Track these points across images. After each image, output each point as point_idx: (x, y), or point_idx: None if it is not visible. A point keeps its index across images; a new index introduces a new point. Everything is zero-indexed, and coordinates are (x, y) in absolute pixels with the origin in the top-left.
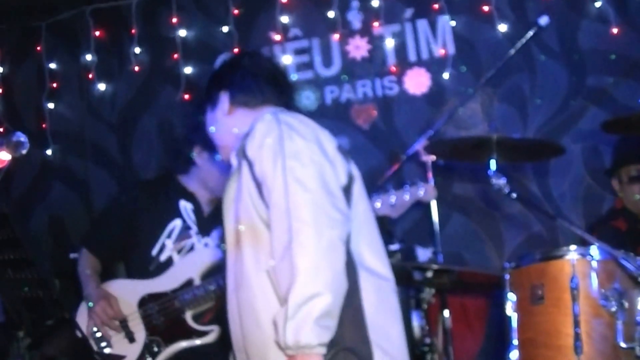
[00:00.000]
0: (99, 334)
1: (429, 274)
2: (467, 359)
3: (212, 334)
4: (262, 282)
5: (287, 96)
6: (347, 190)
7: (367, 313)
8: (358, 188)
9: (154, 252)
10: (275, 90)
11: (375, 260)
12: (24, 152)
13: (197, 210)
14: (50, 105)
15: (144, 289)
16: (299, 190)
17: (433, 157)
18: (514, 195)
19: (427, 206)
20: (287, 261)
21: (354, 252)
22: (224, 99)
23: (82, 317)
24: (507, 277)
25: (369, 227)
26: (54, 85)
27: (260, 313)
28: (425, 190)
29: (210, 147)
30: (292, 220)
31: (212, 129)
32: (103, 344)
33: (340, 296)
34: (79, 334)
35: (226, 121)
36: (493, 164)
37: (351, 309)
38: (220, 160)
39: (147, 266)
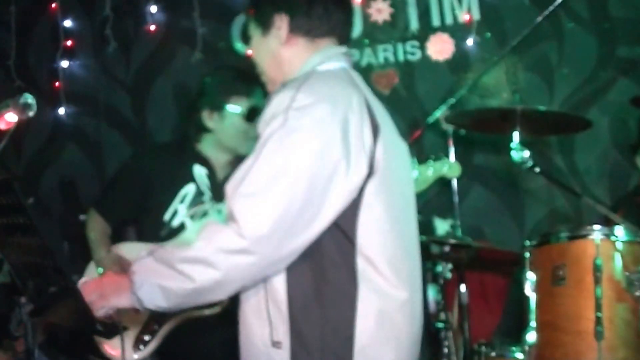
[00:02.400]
0: None
1: (447, 249)
2: (483, 336)
3: (219, 305)
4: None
5: (351, 26)
6: (351, 204)
7: (358, 343)
8: (378, 186)
9: (167, 217)
10: (343, 17)
11: (390, 277)
12: (31, 114)
13: (212, 175)
14: (64, 64)
15: None
16: (279, 175)
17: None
18: (537, 169)
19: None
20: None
21: (358, 267)
22: (282, 25)
23: None
24: (528, 255)
25: (390, 235)
26: (69, 43)
27: (245, 310)
28: (450, 167)
29: (218, 106)
30: (242, 186)
31: (260, 57)
32: (110, 312)
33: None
34: (82, 301)
35: (281, 52)
36: (516, 136)
37: (338, 338)
38: (234, 117)
39: (158, 231)
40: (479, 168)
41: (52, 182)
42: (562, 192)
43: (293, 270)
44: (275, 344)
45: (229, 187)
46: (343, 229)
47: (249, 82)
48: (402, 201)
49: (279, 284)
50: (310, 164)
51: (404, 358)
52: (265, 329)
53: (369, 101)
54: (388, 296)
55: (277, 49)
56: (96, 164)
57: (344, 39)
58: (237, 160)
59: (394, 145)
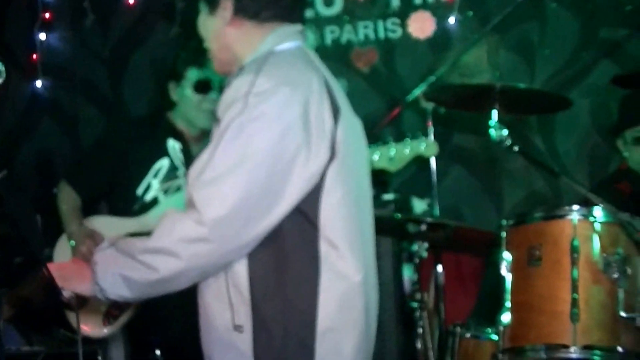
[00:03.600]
0: None
1: (423, 227)
2: (459, 318)
3: None
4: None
5: (303, 10)
6: (313, 190)
7: (320, 327)
8: (338, 170)
9: (139, 191)
10: (292, 2)
11: (350, 260)
12: (0, 81)
13: (186, 150)
14: (42, 37)
15: (127, 228)
16: (240, 161)
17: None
18: (516, 148)
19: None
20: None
21: (320, 250)
22: (227, 5)
23: (61, 255)
24: (504, 235)
25: (351, 218)
26: (47, 16)
27: (205, 293)
28: (427, 145)
29: (176, 78)
30: (202, 174)
31: (205, 34)
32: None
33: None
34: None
35: (226, 32)
36: (495, 114)
37: (301, 322)
38: (195, 94)
39: (131, 205)
40: (458, 148)
41: (27, 155)
42: (541, 173)
43: (254, 254)
44: (237, 328)
45: (190, 175)
46: (305, 213)
47: (203, 55)
48: (360, 183)
49: (240, 268)
50: (270, 151)
51: (363, 342)
52: (226, 312)
53: (329, 82)
54: (350, 280)
55: (222, 30)
56: (72, 137)
57: (295, 19)
58: (206, 134)
59: (352, 126)
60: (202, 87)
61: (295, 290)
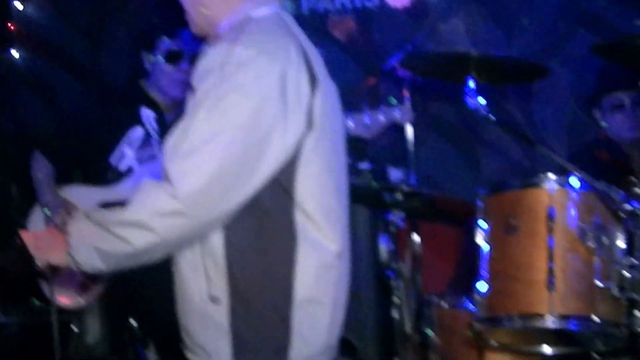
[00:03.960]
0: None
1: (399, 196)
2: (437, 287)
3: None
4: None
5: None
6: (289, 160)
7: (297, 298)
8: (315, 141)
9: (114, 160)
10: None
11: (327, 231)
12: None
13: (160, 118)
14: (19, 6)
15: (100, 197)
16: (220, 126)
17: (409, 73)
18: (492, 117)
19: (402, 126)
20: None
21: (297, 221)
22: None
23: (35, 224)
24: (480, 204)
25: (327, 189)
26: None
27: (180, 264)
28: (402, 112)
29: (149, 47)
30: (177, 146)
31: None
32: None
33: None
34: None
35: None
36: (471, 83)
37: (278, 294)
38: (167, 64)
39: (105, 174)
40: (435, 117)
41: (4, 125)
42: (518, 143)
43: (230, 224)
44: (213, 299)
45: (166, 146)
46: (282, 184)
47: (175, 25)
48: (336, 154)
49: (216, 238)
50: (247, 123)
51: (337, 313)
52: (202, 283)
53: (307, 51)
54: (326, 251)
55: None
56: (50, 107)
57: None
58: (179, 104)
59: (329, 96)
60: (173, 57)
61: (272, 261)
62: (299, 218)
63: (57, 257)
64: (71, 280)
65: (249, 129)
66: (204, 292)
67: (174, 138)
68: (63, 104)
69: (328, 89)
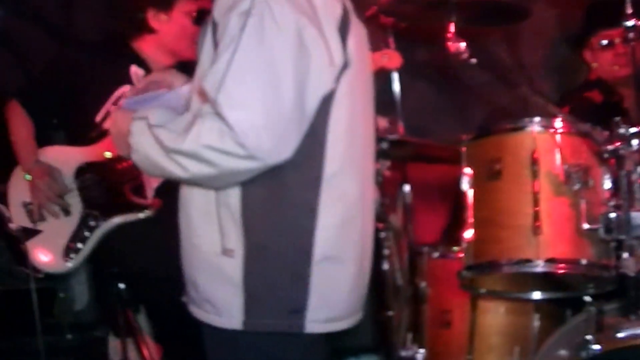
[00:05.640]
0: (31, 207)
1: (384, 145)
2: (429, 238)
3: (153, 208)
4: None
5: None
6: (326, 98)
7: (317, 255)
8: (351, 80)
9: (98, 118)
10: None
11: (352, 183)
12: None
13: None
14: None
15: (82, 157)
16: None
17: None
18: (474, 60)
19: (387, 74)
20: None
21: (324, 170)
22: None
23: (16, 187)
24: (464, 150)
25: (356, 135)
26: None
27: (191, 213)
28: (389, 57)
29: (166, 7)
30: (227, 88)
31: None
32: (36, 217)
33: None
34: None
35: None
36: (452, 27)
37: (296, 250)
38: (183, 20)
39: (88, 132)
40: (421, 64)
41: None
42: (508, 88)
43: None
44: (226, 252)
45: (208, 86)
46: (314, 128)
47: None
48: (367, 94)
49: (233, 188)
50: (294, 57)
51: (359, 272)
52: (215, 234)
53: None
54: (350, 205)
55: None
56: (23, 66)
57: None
58: (178, 65)
59: (359, 30)
60: (202, 17)
61: (292, 214)
62: (327, 168)
63: (126, 153)
64: (56, 245)
65: (295, 64)
66: (217, 244)
67: (218, 77)
68: (37, 62)
69: (359, 27)
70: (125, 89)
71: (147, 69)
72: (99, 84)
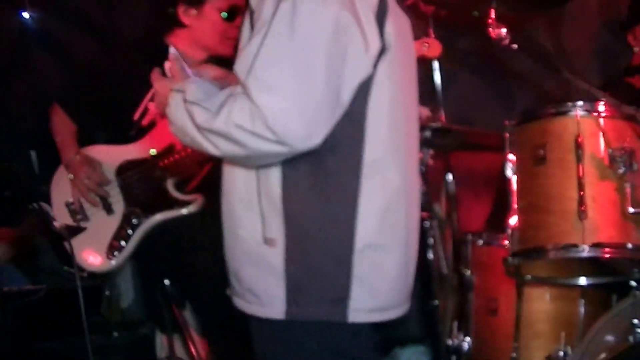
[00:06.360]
0: (75, 206)
1: (427, 134)
2: (473, 226)
3: (196, 204)
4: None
5: None
6: (363, 84)
7: (359, 243)
8: (390, 64)
9: (137, 116)
10: None
11: (395, 169)
12: None
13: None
14: None
15: (123, 155)
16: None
17: (432, 7)
18: (515, 46)
19: (428, 63)
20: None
21: (365, 157)
22: None
23: (59, 186)
24: (507, 136)
25: (398, 120)
26: None
27: (233, 203)
28: (429, 46)
29: (196, 2)
30: (258, 72)
31: None
32: (79, 216)
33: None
34: (37, 206)
35: None
36: (492, 13)
37: (338, 238)
38: (214, 16)
39: (128, 131)
40: (463, 52)
41: (21, 90)
42: (551, 74)
43: (289, 161)
44: (268, 241)
45: (239, 69)
46: (353, 114)
47: None
48: (409, 82)
49: (274, 175)
50: (327, 43)
51: (406, 257)
52: (256, 223)
53: None
54: (394, 190)
55: None
56: (66, 68)
57: None
58: (211, 59)
59: (400, 17)
60: (234, 15)
61: (333, 200)
62: (367, 154)
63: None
64: (99, 244)
65: (329, 50)
66: (258, 234)
67: (249, 60)
68: (79, 62)
69: (399, 12)
70: None
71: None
72: (137, 82)
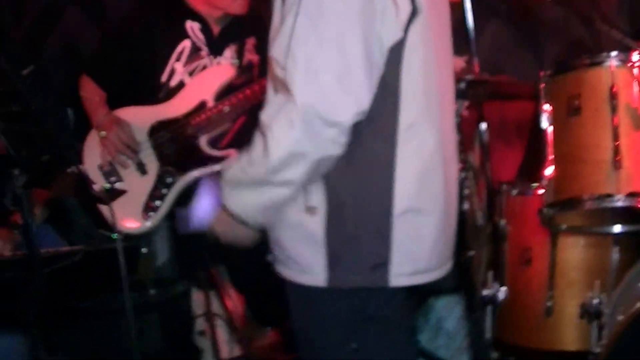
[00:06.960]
0: (108, 168)
1: (462, 85)
2: (506, 176)
3: (231, 159)
4: None
5: None
6: (395, 49)
7: (397, 207)
8: (422, 27)
9: (164, 78)
10: None
11: (430, 132)
12: None
13: (206, 29)
14: None
15: (154, 116)
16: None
17: None
18: None
19: (461, 11)
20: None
21: (400, 122)
22: None
23: (91, 149)
24: (542, 86)
25: (432, 82)
26: None
27: None
28: None
29: None
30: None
31: None
32: (113, 178)
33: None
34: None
35: None
36: None
37: (376, 205)
38: None
39: (156, 94)
40: (493, 1)
41: (54, 47)
42: (582, 23)
43: None
44: (309, 210)
45: (276, 53)
46: (386, 80)
47: None
48: (443, 43)
49: None
50: (359, 11)
51: (444, 222)
52: (298, 193)
53: None
54: (430, 153)
55: None
56: (98, 24)
57: None
58: (229, 16)
59: None
60: None
61: (369, 168)
62: (403, 120)
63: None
64: (135, 205)
65: (364, 16)
66: (300, 202)
67: (283, 47)
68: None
69: None
70: (185, 43)
71: (202, 21)
72: (159, 42)
